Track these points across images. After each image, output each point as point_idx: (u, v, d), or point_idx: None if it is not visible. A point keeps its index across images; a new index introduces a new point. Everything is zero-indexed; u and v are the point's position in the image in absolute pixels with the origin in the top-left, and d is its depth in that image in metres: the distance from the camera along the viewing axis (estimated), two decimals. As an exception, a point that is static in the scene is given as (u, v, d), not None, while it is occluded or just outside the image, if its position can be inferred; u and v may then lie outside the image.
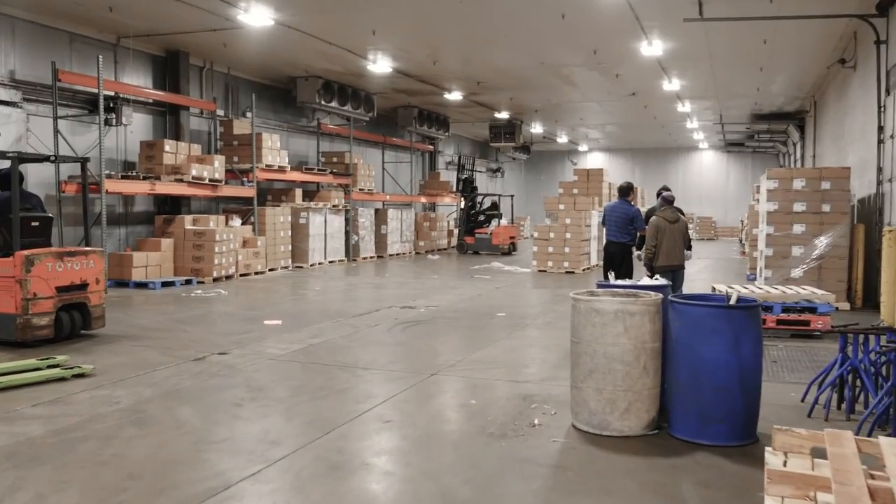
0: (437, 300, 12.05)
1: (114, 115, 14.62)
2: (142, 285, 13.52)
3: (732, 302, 4.98)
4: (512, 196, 27.16)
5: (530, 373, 6.94)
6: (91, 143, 13.44)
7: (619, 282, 6.33)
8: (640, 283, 6.14)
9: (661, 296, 5.06)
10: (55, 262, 8.08)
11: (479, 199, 25.92)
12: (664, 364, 4.94)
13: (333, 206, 19.46)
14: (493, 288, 14.11)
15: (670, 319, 4.90)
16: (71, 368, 6.54)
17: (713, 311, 4.76)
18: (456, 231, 26.94)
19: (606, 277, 7.74)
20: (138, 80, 15.39)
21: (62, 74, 13.03)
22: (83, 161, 9.42)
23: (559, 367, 6.81)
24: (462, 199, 25.05)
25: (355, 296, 13.07)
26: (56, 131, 13.00)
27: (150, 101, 15.63)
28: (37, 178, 13.15)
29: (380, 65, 17.16)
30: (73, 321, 8.27)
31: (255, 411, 5.56)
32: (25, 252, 7.85)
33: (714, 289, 9.28)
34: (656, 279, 6.17)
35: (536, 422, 5.22)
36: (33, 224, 8.39)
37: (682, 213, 9.29)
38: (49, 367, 6.73)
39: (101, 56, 12.89)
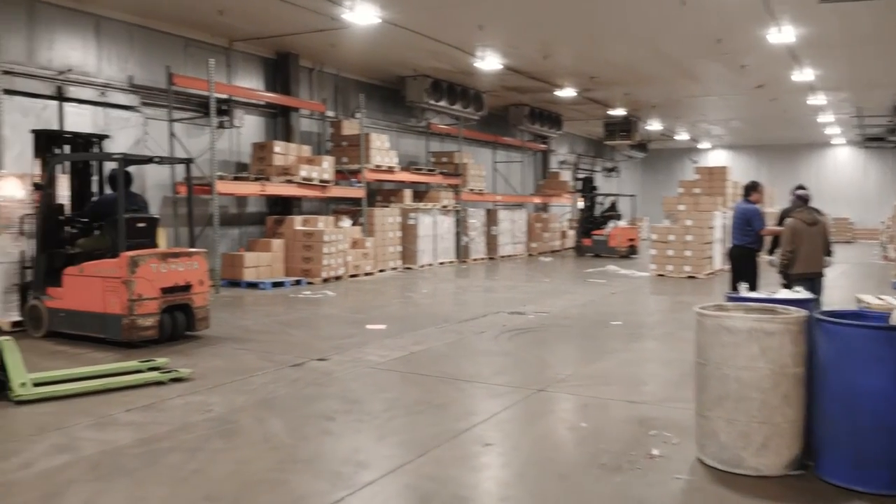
0: (547, 306, 11.48)
1: (227, 118, 14.86)
2: (253, 285, 13.62)
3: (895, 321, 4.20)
4: (633, 196, 25.80)
5: (648, 392, 6.29)
6: (205, 145, 13.65)
7: (753, 294, 5.58)
8: (777, 295, 5.38)
9: (804, 312, 4.33)
10: (159, 264, 8.05)
11: (600, 199, 24.91)
12: (809, 393, 4.22)
13: (443, 206, 19.17)
14: (607, 293, 13.38)
15: (817, 341, 4.17)
16: (169, 372, 6.42)
17: (873, 334, 4.01)
18: (570, 232, 26.15)
19: (734, 288, 6.94)
20: (250, 83, 15.59)
21: (176, 78, 13.30)
22: (187, 162, 9.42)
23: (681, 387, 6.11)
24: (581, 199, 24.11)
25: (463, 299, 12.67)
26: (171, 134, 13.28)
27: (262, 103, 15.81)
28: (154, 180, 13.49)
29: (488, 62, 16.71)
30: (177, 322, 8.22)
31: (346, 426, 5.21)
32: (131, 253, 7.86)
33: (860, 300, 8.26)
34: (797, 291, 5.38)
35: (656, 452, 4.60)
36: (139, 225, 8.41)
37: (821, 214, 8.32)
38: (150, 369, 6.65)
39: (212, 59, 13.05)
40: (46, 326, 8.41)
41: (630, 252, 22.35)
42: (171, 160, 10.44)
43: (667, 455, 4.56)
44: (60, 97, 11.99)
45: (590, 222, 23.76)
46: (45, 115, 11.73)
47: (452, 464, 4.50)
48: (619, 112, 25.21)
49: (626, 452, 4.62)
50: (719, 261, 17.65)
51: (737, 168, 30.79)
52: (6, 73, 11.14)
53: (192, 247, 9.01)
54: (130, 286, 7.76)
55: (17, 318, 8.86)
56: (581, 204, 24.20)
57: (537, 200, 26.46)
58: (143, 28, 13.41)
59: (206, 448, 4.71)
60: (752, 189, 9.75)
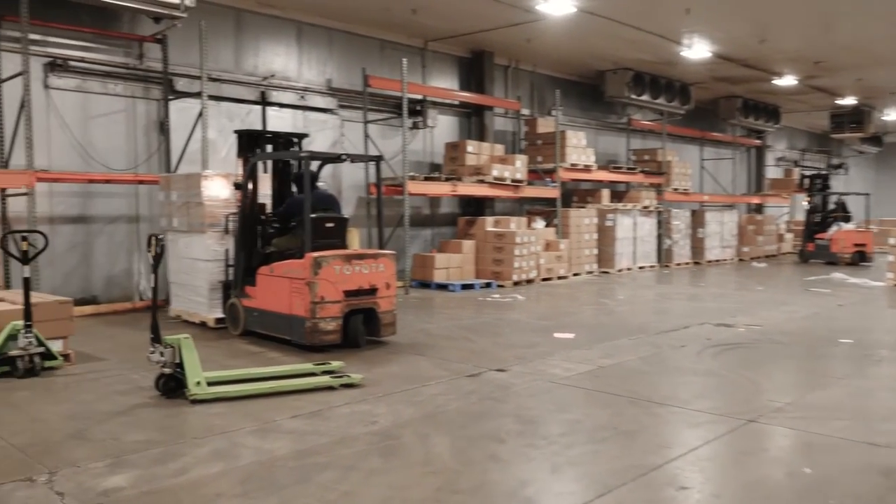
0: (761, 318, 10.16)
1: (420, 118, 14.81)
2: (442, 287, 13.41)
3: None
4: (867, 195, 22.66)
5: (893, 432, 5.09)
6: (399, 146, 13.63)
7: None
8: None
9: None
10: (343, 265, 7.79)
11: (829, 199, 21.99)
12: None
13: (644, 207, 17.99)
14: (833, 305, 11.69)
15: None
16: (341, 377, 6.16)
17: None
18: (788, 236, 23.73)
19: None
20: (444, 83, 15.45)
21: (371, 80, 13.38)
22: (377, 160, 9.21)
23: (938, 427, 4.88)
24: (808, 199, 21.53)
25: (663, 308, 11.60)
26: (366, 135, 13.39)
27: (456, 102, 15.62)
28: (350, 181, 13.70)
29: (696, 50, 15.38)
30: (359, 327, 7.90)
31: (517, 451, 4.60)
32: (315, 254, 7.75)
33: None
34: None
35: (908, 518, 3.57)
36: (327, 225, 8.18)
37: None
38: (324, 373, 6.46)
39: (405, 59, 12.99)
40: (243, 325, 8.50)
41: (859, 258, 19.64)
42: (359, 157, 10.23)
43: (925, 524, 3.51)
44: (263, 102, 12.45)
45: (816, 225, 21.17)
46: (249, 119, 12.23)
47: (638, 510, 3.75)
48: (849, 101, 22.52)
49: (866, 515, 3.62)
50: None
51: None
52: (213, 80, 11.71)
53: (382, 247, 8.71)
54: (313, 288, 7.56)
55: (220, 315, 9.11)
56: (806, 204, 21.62)
57: (755, 201, 24.27)
58: (341, 32, 13.66)
59: (362, 467, 4.31)
60: None
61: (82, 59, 10.48)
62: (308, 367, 6.54)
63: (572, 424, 5.17)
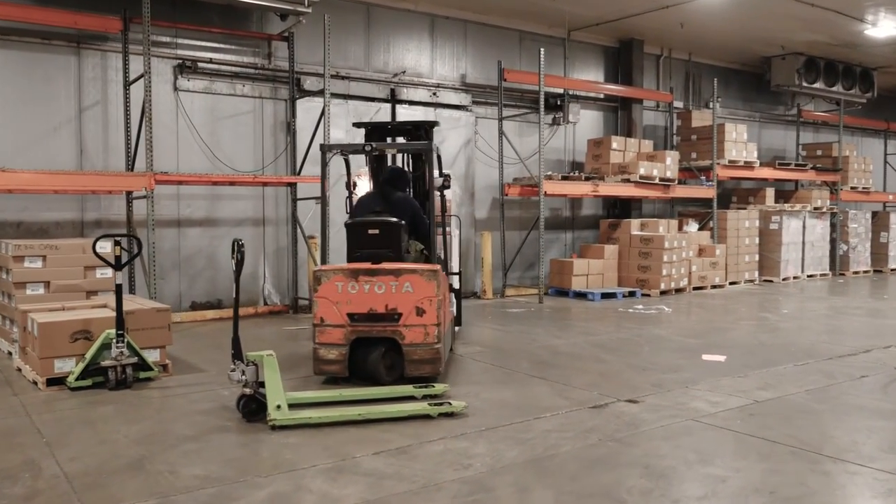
0: (964, 341, 8.40)
1: (560, 113, 13.82)
2: (581, 295, 12.36)
3: None
4: None
5: None
6: (538, 144, 12.71)
7: None
8: None
9: None
10: (347, 282, 6.17)
11: None
12: None
13: (815, 208, 16.01)
14: None
15: None
16: (440, 405, 5.37)
17: None
18: None
19: None
20: (588, 75, 14.37)
21: (508, 73, 12.58)
22: (425, 150, 7.39)
23: None
24: None
25: (837, 326, 9.98)
26: (500, 132, 12.59)
27: (601, 96, 14.50)
28: (485, 181, 12.95)
29: (882, 27, 13.37)
30: (377, 360, 6.21)
31: (638, 521, 3.62)
32: (324, 266, 6.72)
33: None
34: None
35: None
36: (369, 231, 6.61)
37: None
38: (424, 396, 5.72)
39: (542, 49, 12.04)
40: None
41: None
42: (412, 147, 7.75)
43: None
44: (393, 99, 11.94)
45: None
46: (378, 117, 11.74)
47: None
48: None
49: None
50: None
51: None
52: (342, 77, 11.33)
53: (434, 252, 7.11)
54: (314, 307, 6.34)
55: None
56: None
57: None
58: (476, 24, 12.93)
59: (439, 529, 3.49)
60: None
61: (210, 60, 10.37)
62: (408, 389, 5.81)
63: (715, 483, 4.10)
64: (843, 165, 17.03)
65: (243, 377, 5.20)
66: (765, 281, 15.03)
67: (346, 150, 7.30)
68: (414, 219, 7.10)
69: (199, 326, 9.60)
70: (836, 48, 15.27)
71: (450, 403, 5.38)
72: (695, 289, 13.37)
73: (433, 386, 5.87)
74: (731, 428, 5.12)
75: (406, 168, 8.16)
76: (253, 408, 5.20)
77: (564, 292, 12.59)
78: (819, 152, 17.38)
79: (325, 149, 7.15)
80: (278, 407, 5.05)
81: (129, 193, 9.46)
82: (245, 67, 10.70)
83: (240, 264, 5.28)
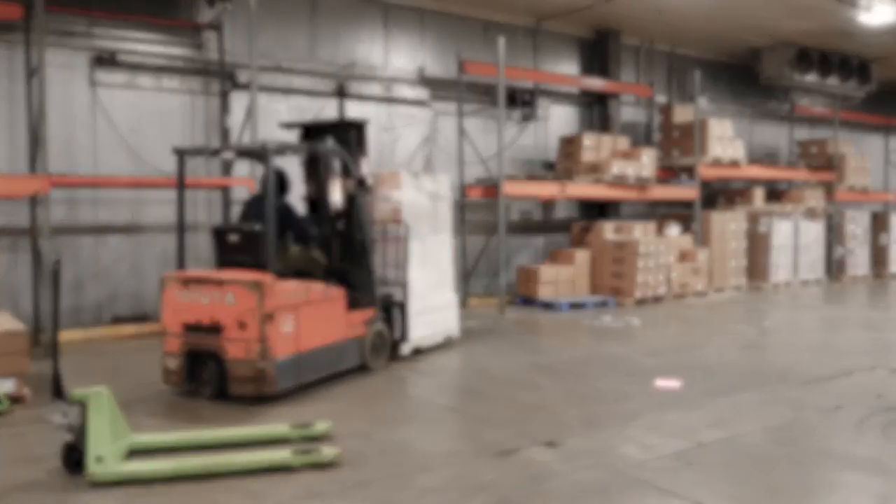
0: (962, 361, 7.40)
1: (529, 109, 12.85)
2: (548, 305, 11.38)
3: None
4: None
5: None
6: (507, 141, 11.74)
7: None
8: None
9: None
10: (180, 290, 5.84)
11: None
12: None
13: (808, 209, 14.98)
14: None
15: None
16: (308, 452, 4.42)
17: None
18: None
19: None
20: (562, 68, 13.40)
21: (468, 66, 11.60)
22: (259, 155, 6.68)
23: None
24: None
25: (821, 341, 8.98)
26: (460, 129, 11.62)
27: (575, 90, 13.52)
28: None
29: (877, 12, 12.33)
30: (203, 376, 5.82)
31: None
32: (172, 273, 6.18)
33: None
34: None
35: None
36: (231, 239, 6.20)
37: None
38: (303, 438, 4.78)
39: (502, 38, 11.07)
40: None
41: None
42: (300, 150, 7.26)
43: None
44: (341, 94, 11.02)
45: None
46: (324, 114, 10.79)
47: None
48: None
49: None
50: None
51: None
52: (283, 71, 10.42)
53: (331, 258, 6.71)
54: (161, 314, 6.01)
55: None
56: None
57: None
58: (435, 13, 11.99)
59: None
60: None
61: (133, 52, 9.47)
62: (281, 429, 4.86)
63: (610, 574, 3.14)
64: (839, 163, 15.99)
65: (65, 420, 4.27)
66: (754, 287, 14.01)
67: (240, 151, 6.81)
68: (290, 226, 6.50)
69: (119, 343, 8.70)
70: (830, 37, 14.26)
71: (318, 454, 4.41)
72: (676, 296, 12.38)
73: (314, 426, 4.92)
74: (658, 484, 4.14)
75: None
76: (76, 458, 4.27)
77: (532, 302, 11.62)
78: (814, 149, 16.35)
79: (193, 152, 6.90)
80: (99, 459, 4.12)
81: (33, 198, 8.55)
82: (173, 60, 9.79)
83: (56, 286, 4.34)
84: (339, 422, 5.11)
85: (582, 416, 5.48)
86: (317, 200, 7.15)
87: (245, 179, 9.50)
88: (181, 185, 6.57)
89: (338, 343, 6.42)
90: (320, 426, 4.90)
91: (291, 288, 5.89)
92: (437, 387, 6.49)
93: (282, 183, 6.80)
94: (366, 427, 5.16)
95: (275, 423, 5.03)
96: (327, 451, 4.41)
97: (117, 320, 9.43)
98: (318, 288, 6.23)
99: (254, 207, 6.62)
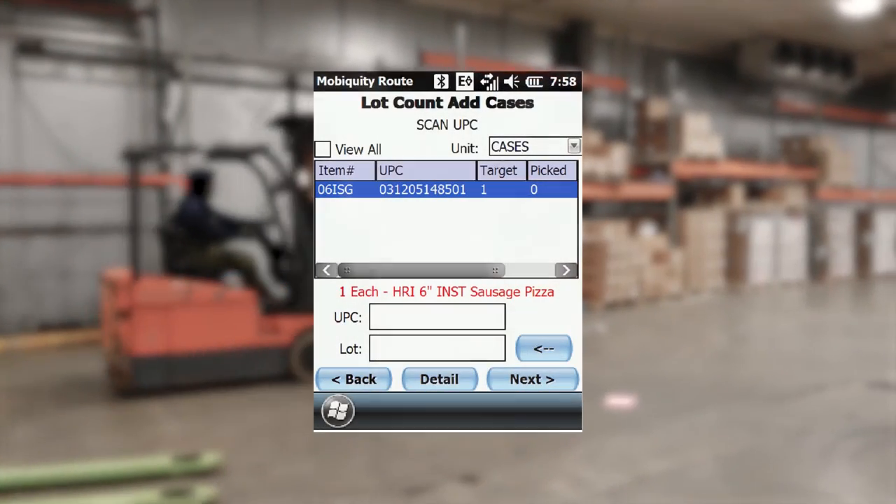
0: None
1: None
2: (514, 310, 10.76)
3: None
4: None
5: None
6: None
7: None
8: None
9: None
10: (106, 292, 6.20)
11: None
12: None
13: (789, 207, 14.43)
14: None
15: None
16: (180, 494, 3.80)
17: None
18: None
19: None
20: (531, 60, 12.82)
21: (428, 57, 11.07)
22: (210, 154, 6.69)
23: None
24: None
25: (795, 350, 8.40)
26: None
27: (544, 83, 12.92)
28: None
29: (858, 2, 11.78)
30: None
31: None
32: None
33: None
34: None
35: None
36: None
37: None
38: (184, 472, 4.16)
39: (461, 27, 10.45)
40: None
41: None
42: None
43: None
44: (292, 87, 10.40)
45: None
46: (273, 108, 10.14)
47: None
48: None
49: None
50: None
51: None
52: (228, 62, 9.80)
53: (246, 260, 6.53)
54: None
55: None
56: None
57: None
58: (396, 2, 11.38)
59: None
60: None
61: (62, 41, 8.82)
62: (161, 463, 4.23)
63: None
64: (821, 160, 15.44)
65: None
66: (732, 289, 13.44)
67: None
68: (202, 226, 6.36)
69: (46, 353, 8.06)
70: (813, 29, 13.71)
71: (192, 495, 3.80)
72: (649, 300, 11.79)
73: (199, 458, 4.30)
74: (580, 533, 3.55)
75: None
76: None
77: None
78: (796, 146, 15.80)
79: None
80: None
81: (-57, 198, 7.92)
82: (105, 49, 9.15)
83: None
84: (237, 449, 4.52)
85: (511, 441, 4.87)
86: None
87: (179, 178, 8.88)
88: (136, 185, 6.24)
89: (240, 349, 6.04)
90: (208, 458, 4.28)
91: (158, 287, 5.81)
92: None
93: (203, 183, 6.63)
94: (265, 457, 4.55)
95: (156, 455, 4.40)
96: (202, 493, 3.79)
97: (45, 328, 8.80)
98: (206, 289, 5.94)
99: (178, 208, 6.59)
